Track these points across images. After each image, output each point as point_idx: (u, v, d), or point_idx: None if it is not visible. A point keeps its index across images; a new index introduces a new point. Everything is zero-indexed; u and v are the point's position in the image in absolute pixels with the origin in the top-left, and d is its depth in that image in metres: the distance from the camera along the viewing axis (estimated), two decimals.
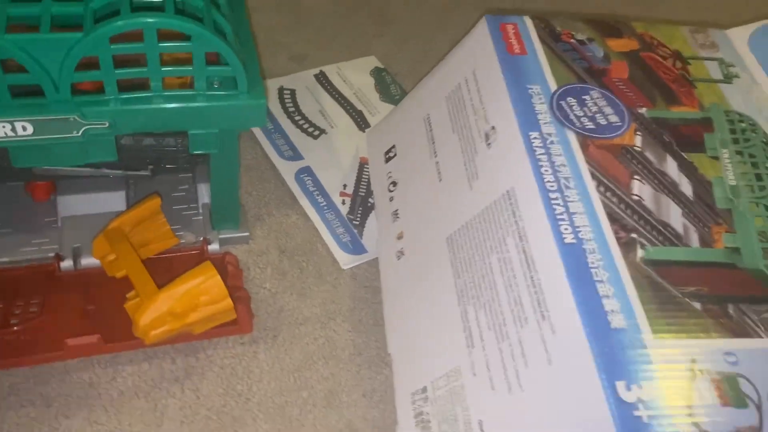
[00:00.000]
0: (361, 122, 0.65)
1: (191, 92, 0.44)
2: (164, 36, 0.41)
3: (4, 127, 0.41)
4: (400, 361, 0.47)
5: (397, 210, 0.53)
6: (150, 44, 0.41)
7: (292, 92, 0.67)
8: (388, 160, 0.56)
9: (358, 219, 0.57)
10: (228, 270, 0.50)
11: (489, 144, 0.47)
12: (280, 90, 0.67)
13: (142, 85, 0.43)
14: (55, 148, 0.43)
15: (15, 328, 0.45)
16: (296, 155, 0.61)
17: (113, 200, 0.52)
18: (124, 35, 0.40)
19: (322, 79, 0.69)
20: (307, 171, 0.60)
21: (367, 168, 0.60)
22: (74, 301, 0.47)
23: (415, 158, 0.53)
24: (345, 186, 0.59)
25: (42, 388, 0.44)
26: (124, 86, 0.43)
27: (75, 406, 0.44)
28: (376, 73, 0.70)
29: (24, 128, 0.41)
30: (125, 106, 0.43)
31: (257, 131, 0.63)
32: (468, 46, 0.52)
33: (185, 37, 0.41)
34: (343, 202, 0.58)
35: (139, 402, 0.45)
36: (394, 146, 0.56)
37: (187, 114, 0.44)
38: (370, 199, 0.58)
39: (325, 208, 0.57)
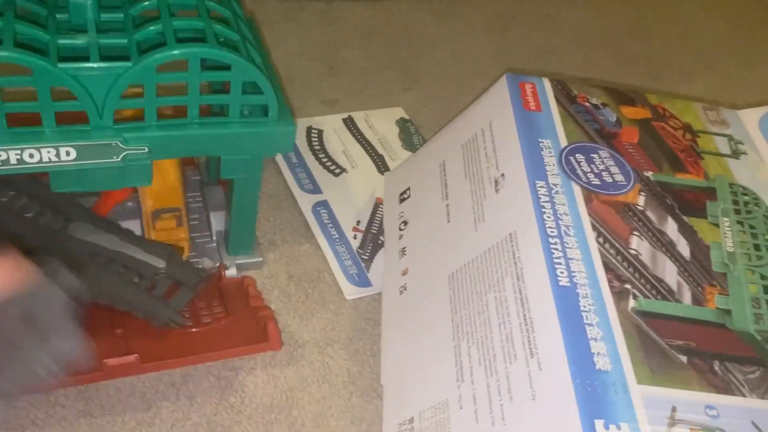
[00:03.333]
0: (382, 166, 0.68)
1: (226, 119, 0.47)
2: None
3: (48, 152, 0.42)
4: (390, 392, 0.48)
5: (404, 247, 0.55)
6: (193, 73, 0.44)
7: (320, 132, 0.70)
8: (402, 200, 0.59)
9: (368, 254, 0.58)
10: (249, 292, 0.52)
11: (497, 190, 0.49)
12: (309, 129, 0.70)
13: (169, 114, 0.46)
14: (94, 173, 0.45)
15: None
16: (315, 189, 0.64)
17: None
18: (166, 64, 0.43)
19: (350, 124, 0.72)
20: (324, 204, 0.62)
21: (382, 208, 0.62)
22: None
23: (427, 200, 0.55)
24: (358, 222, 0.61)
25: None
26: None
27: (72, 397, 0.46)
28: (401, 123, 0.74)
29: (68, 153, 0.43)
30: (164, 132, 0.45)
31: (281, 162, 0.66)
32: (487, 99, 0.55)
33: (224, 67, 0.44)
34: (355, 237, 0.60)
35: (135, 401, 0.46)
36: (408, 188, 0.59)
37: (222, 140, 0.47)
38: (381, 237, 0.60)
39: (337, 240, 0.59)
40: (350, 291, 0.56)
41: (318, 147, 0.68)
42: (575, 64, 0.88)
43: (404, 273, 0.53)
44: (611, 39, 0.95)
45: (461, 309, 0.46)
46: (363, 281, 0.56)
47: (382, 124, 0.73)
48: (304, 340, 0.52)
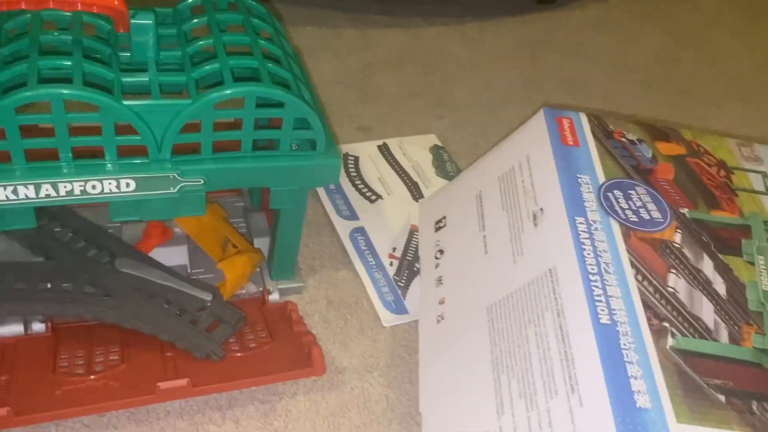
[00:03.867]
0: (416, 192, 0.69)
1: (277, 153, 0.48)
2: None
3: (110, 183, 0.44)
4: (430, 420, 0.49)
5: (441, 276, 0.56)
6: (248, 111, 0.45)
7: (356, 159, 0.72)
8: (437, 229, 0.60)
9: (403, 281, 0.60)
10: (292, 317, 0.54)
11: (536, 224, 0.50)
12: (345, 156, 0.72)
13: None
14: (151, 203, 0.47)
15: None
16: (353, 215, 0.65)
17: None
18: (223, 102, 0.45)
19: (385, 150, 0.74)
20: (361, 231, 0.64)
21: (417, 235, 0.64)
22: None
23: (463, 230, 0.57)
24: (394, 249, 0.62)
25: None
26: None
27: (125, 419, 0.47)
28: (435, 150, 0.75)
29: (127, 185, 0.45)
30: (219, 164, 0.47)
31: (320, 189, 0.67)
32: (525, 133, 0.57)
33: (277, 104, 0.46)
34: (391, 264, 0.61)
35: (182, 423, 0.48)
36: (444, 217, 0.60)
37: (273, 172, 0.49)
38: (416, 265, 0.61)
39: (374, 267, 0.61)
40: (388, 318, 0.57)
41: (354, 174, 0.70)
42: (604, 91, 0.90)
43: (441, 302, 0.55)
44: (640, 66, 0.96)
45: (501, 341, 0.47)
46: (400, 308, 0.58)
47: (415, 151, 0.74)
48: (344, 366, 0.53)
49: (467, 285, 0.53)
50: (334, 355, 0.54)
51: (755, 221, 0.52)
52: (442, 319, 0.54)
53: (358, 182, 0.69)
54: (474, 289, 0.52)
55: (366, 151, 0.73)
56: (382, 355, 0.55)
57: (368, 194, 0.68)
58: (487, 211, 0.56)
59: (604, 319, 0.42)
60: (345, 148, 0.73)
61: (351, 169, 0.71)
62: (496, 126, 0.80)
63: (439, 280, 0.56)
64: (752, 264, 0.49)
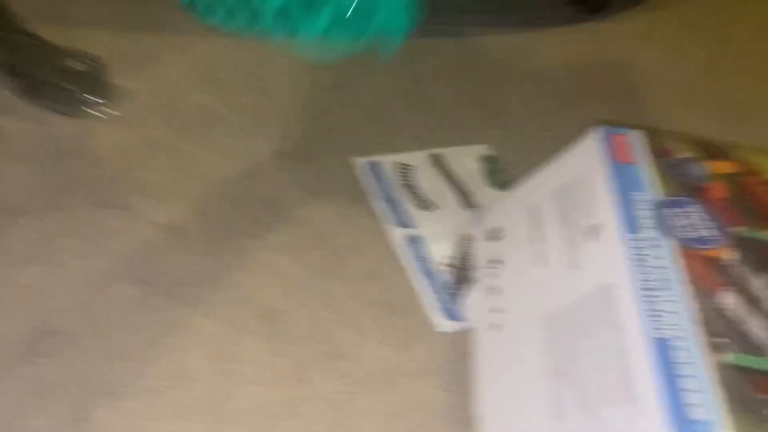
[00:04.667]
0: (467, 202, 0.71)
1: None
2: None
3: None
4: (488, 422, 0.52)
5: (497, 286, 0.58)
6: None
7: (409, 168, 0.75)
8: (495, 239, 0.62)
9: (456, 289, 0.62)
10: None
11: (593, 239, 0.52)
12: (400, 165, 0.75)
13: None
14: None
15: None
16: (407, 222, 0.68)
17: None
18: None
19: (435, 160, 0.76)
20: (414, 239, 0.66)
21: (469, 244, 0.66)
22: None
23: (520, 241, 0.59)
24: (448, 257, 0.65)
25: (173, 394, 0.51)
26: None
27: (199, 412, 0.51)
28: (485, 159, 0.77)
29: None
30: None
31: (377, 198, 0.70)
32: (581, 149, 0.59)
33: None
34: (445, 271, 0.64)
35: (255, 418, 0.51)
36: (500, 228, 0.62)
37: None
38: (468, 273, 0.64)
39: (427, 273, 0.63)
40: (440, 323, 0.60)
41: (409, 182, 0.73)
42: (652, 105, 0.91)
43: (497, 311, 0.57)
44: (687, 79, 0.97)
45: (557, 351, 0.49)
46: (454, 314, 0.60)
47: (468, 161, 0.76)
48: (403, 369, 0.56)
49: (522, 295, 0.56)
50: (391, 357, 0.57)
51: None
52: (497, 326, 0.56)
53: (412, 191, 0.72)
54: (529, 300, 0.55)
55: (420, 160, 0.76)
56: (436, 360, 0.57)
57: (422, 203, 0.71)
58: (544, 225, 0.58)
59: (659, 333, 0.44)
60: (399, 157, 0.76)
61: (404, 178, 0.73)
62: (546, 138, 0.81)
63: (495, 290, 0.59)
64: None
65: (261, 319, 0.57)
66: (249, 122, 0.75)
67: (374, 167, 0.73)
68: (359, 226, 0.67)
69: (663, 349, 0.44)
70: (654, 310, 0.45)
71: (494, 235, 0.63)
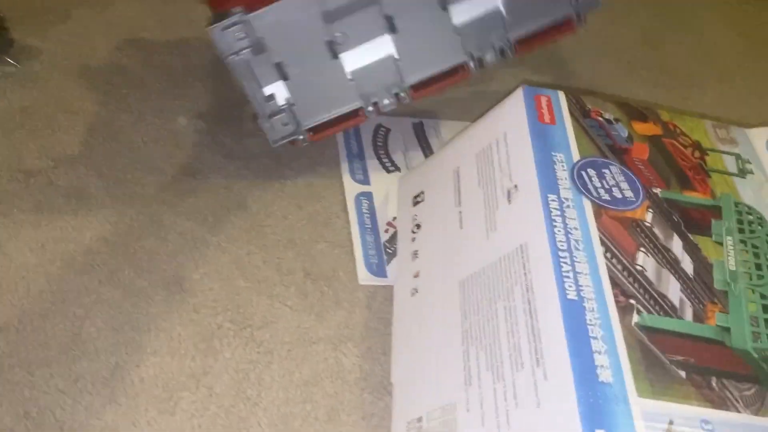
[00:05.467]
0: None
1: None
2: None
3: None
4: (400, 390, 0.50)
5: (417, 251, 0.57)
6: None
7: (387, 131, 0.73)
8: (415, 203, 0.61)
9: (392, 249, 0.61)
10: None
11: (510, 200, 0.51)
12: (378, 126, 0.72)
13: None
14: None
15: None
16: (365, 180, 0.67)
17: None
18: None
19: (419, 129, 0.74)
20: (367, 195, 0.65)
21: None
22: None
23: (440, 205, 0.57)
24: (394, 218, 0.63)
25: (72, 365, 0.49)
26: None
27: (100, 384, 0.48)
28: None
29: None
30: None
31: (342, 151, 0.69)
32: (503, 109, 0.57)
33: None
34: (386, 231, 0.62)
35: (157, 390, 0.48)
36: (422, 192, 0.61)
37: None
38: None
39: (369, 229, 0.62)
40: (365, 277, 0.58)
41: (381, 144, 0.71)
42: (585, 70, 0.90)
43: (416, 275, 0.55)
44: (623, 47, 0.96)
45: (471, 315, 0.48)
46: (380, 272, 0.59)
47: (448, 135, 0.74)
48: (318, 337, 0.54)
49: (441, 259, 0.54)
50: (310, 326, 0.55)
51: (726, 202, 0.53)
52: (417, 291, 0.54)
53: (381, 152, 0.70)
54: (448, 264, 0.53)
55: (400, 126, 0.73)
56: (357, 327, 0.55)
57: (387, 164, 0.69)
58: (464, 188, 0.56)
59: (572, 294, 0.43)
60: (381, 119, 0.73)
61: (379, 140, 0.71)
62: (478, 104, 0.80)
63: (415, 254, 0.57)
64: (720, 244, 0.50)
65: (169, 287, 0.55)
66: (168, 83, 0.72)
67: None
68: (320, 173, 0.65)
69: (574, 311, 0.42)
70: (568, 271, 0.44)
71: (416, 199, 0.61)
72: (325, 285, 0.58)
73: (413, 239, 0.58)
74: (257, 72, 0.58)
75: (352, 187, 0.66)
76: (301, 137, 0.62)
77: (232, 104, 0.71)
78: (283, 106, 0.60)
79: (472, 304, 0.49)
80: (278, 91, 0.60)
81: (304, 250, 0.60)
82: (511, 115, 0.55)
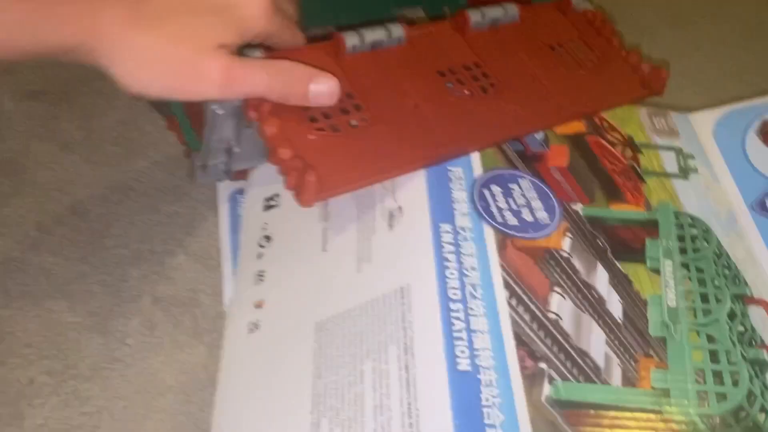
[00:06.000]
0: None
1: None
2: None
3: None
4: None
5: (263, 271, 0.44)
6: None
7: None
8: (267, 207, 0.47)
9: None
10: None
11: (391, 225, 0.39)
12: None
13: None
14: None
15: None
16: None
17: None
18: None
19: None
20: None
21: None
22: None
23: (299, 216, 0.43)
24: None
25: None
26: None
27: None
28: None
29: None
30: None
31: None
32: None
33: None
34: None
35: None
36: (279, 194, 0.47)
37: None
38: None
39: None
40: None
41: None
42: None
43: (258, 305, 0.42)
44: None
45: (327, 374, 0.36)
46: None
47: None
48: (167, 386, 0.42)
49: (295, 288, 0.41)
50: (157, 370, 0.43)
51: (664, 214, 0.43)
52: (257, 328, 0.41)
53: None
54: (303, 296, 0.40)
55: None
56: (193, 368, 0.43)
57: None
58: (332, 199, 0.44)
59: (463, 364, 0.32)
60: None
61: None
62: None
63: (260, 276, 0.43)
64: (657, 272, 0.40)
65: None
66: None
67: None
68: (132, 188, 0.52)
69: (466, 387, 0.32)
70: (460, 330, 0.33)
71: (269, 202, 0.47)
72: (181, 313, 0.45)
73: (259, 255, 0.45)
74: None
75: (225, 182, 0.51)
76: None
77: (69, 79, 0.57)
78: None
79: (329, 357, 0.36)
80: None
81: (156, 266, 0.48)
82: None
